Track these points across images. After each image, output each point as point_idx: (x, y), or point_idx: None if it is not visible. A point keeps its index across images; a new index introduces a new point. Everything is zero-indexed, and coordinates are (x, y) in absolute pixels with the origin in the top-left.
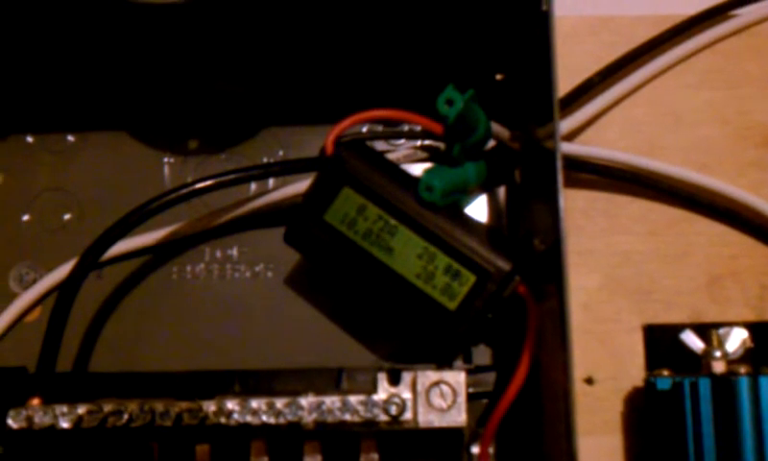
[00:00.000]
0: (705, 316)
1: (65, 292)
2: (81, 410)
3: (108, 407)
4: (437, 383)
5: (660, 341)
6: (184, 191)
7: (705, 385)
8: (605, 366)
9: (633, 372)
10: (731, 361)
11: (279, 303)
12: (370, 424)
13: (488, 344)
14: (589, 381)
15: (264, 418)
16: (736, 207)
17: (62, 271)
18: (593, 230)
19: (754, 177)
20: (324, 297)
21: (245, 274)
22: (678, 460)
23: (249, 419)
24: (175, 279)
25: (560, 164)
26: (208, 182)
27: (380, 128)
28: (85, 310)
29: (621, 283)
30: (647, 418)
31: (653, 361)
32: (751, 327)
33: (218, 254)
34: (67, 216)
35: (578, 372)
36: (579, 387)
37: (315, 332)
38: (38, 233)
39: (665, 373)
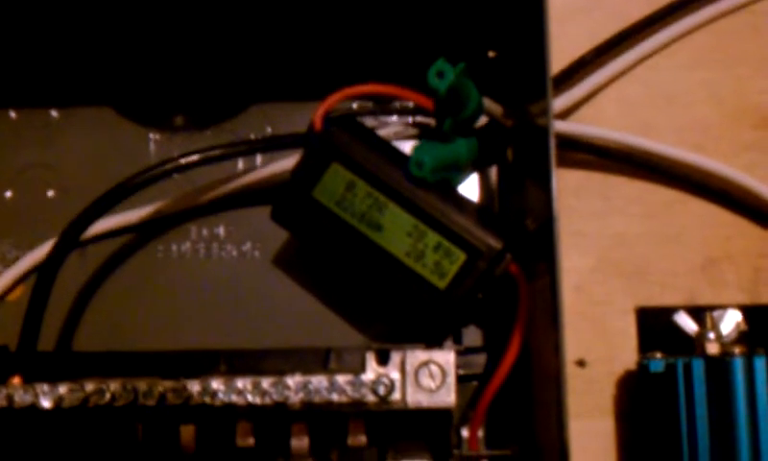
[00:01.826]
0: (699, 298)
1: (46, 270)
2: (62, 389)
3: (89, 386)
4: (426, 363)
5: (654, 323)
6: (169, 166)
7: (698, 366)
8: (597, 348)
9: (625, 354)
10: (724, 344)
11: (267, 282)
12: (357, 405)
13: (478, 325)
14: (581, 364)
15: (249, 397)
16: (731, 189)
17: (45, 249)
18: (586, 210)
19: (749, 158)
20: (313, 276)
21: (231, 253)
22: (671, 443)
23: (234, 399)
24: (160, 258)
25: (553, 142)
26: (194, 158)
27: (370, 104)
28: (68, 289)
29: (614, 265)
30: (640, 400)
31: (646, 344)
32: (745, 309)
33: (204, 232)
34: (51, 193)
35: (570, 354)
36: (570, 369)
37: (303, 312)
38: (21, 211)
39: (658, 355)
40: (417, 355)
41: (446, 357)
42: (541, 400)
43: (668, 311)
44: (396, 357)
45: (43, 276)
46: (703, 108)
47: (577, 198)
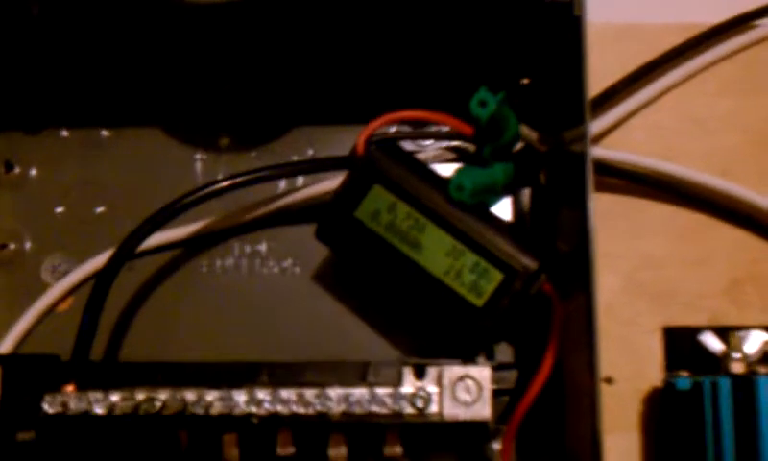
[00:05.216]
0: (724, 319)
1: (101, 282)
2: (114, 397)
3: (141, 395)
4: (462, 378)
5: (680, 343)
6: (216, 188)
7: (725, 385)
8: (624, 367)
9: (652, 373)
10: (750, 364)
11: (306, 298)
12: (396, 416)
13: (509, 341)
14: (609, 381)
15: (294, 408)
16: (757, 213)
17: (94, 262)
18: (615, 232)
19: None
20: (351, 293)
21: (273, 269)
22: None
23: (279, 408)
24: (204, 273)
25: (590, 166)
26: (239, 179)
27: (408, 128)
28: (117, 302)
29: (641, 286)
30: (666, 418)
31: (672, 363)
32: None
33: (247, 249)
34: (100, 209)
35: None
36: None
37: (341, 328)
38: (71, 226)
39: (685, 373)
40: (453, 370)
41: (482, 372)
42: (573, 416)
43: (694, 331)
44: (432, 372)
45: (99, 287)
46: (729, 135)
47: (606, 220)
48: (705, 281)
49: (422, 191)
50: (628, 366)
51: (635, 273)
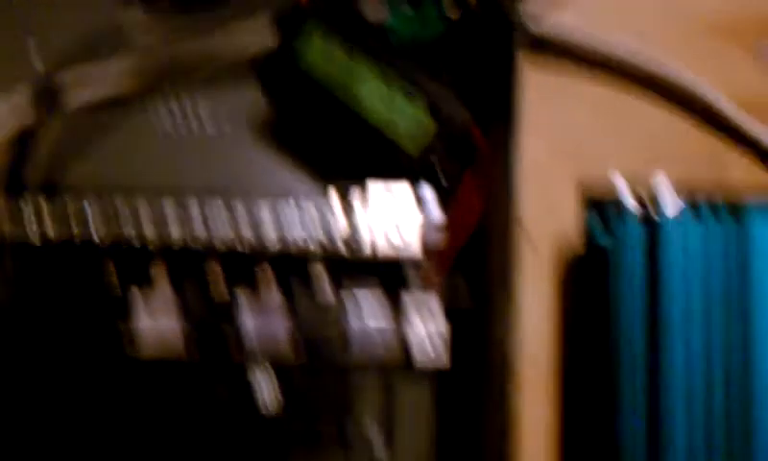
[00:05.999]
0: (643, 187)
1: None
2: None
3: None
4: (389, 202)
5: (599, 205)
6: (148, 41)
7: (637, 232)
8: (543, 227)
9: (570, 231)
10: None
11: (244, 158)
12: (321, 241)
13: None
14: (528, 242)
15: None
16: (682, 91)
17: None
18: (537, 96)
19: (704, 68)
20: (291, 151)
21: (210, 129)
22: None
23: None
24: (141, 131)
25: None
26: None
27: None
28: (49, 161)
29: (562, 151)
30: (584, 274)
31: (591, 223)
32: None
33: (185, 104)
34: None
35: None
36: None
37: (281, 186)
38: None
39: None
40: (377, 189)
41: (409, 196)
42: (494, 267)
43: (613, 193)
44: (359, 195)
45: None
46: (659, 18)
47: (528, 84)
48: (626, 151)
49: (359, 38)
50: (547, 226)
51: (555, 137)
